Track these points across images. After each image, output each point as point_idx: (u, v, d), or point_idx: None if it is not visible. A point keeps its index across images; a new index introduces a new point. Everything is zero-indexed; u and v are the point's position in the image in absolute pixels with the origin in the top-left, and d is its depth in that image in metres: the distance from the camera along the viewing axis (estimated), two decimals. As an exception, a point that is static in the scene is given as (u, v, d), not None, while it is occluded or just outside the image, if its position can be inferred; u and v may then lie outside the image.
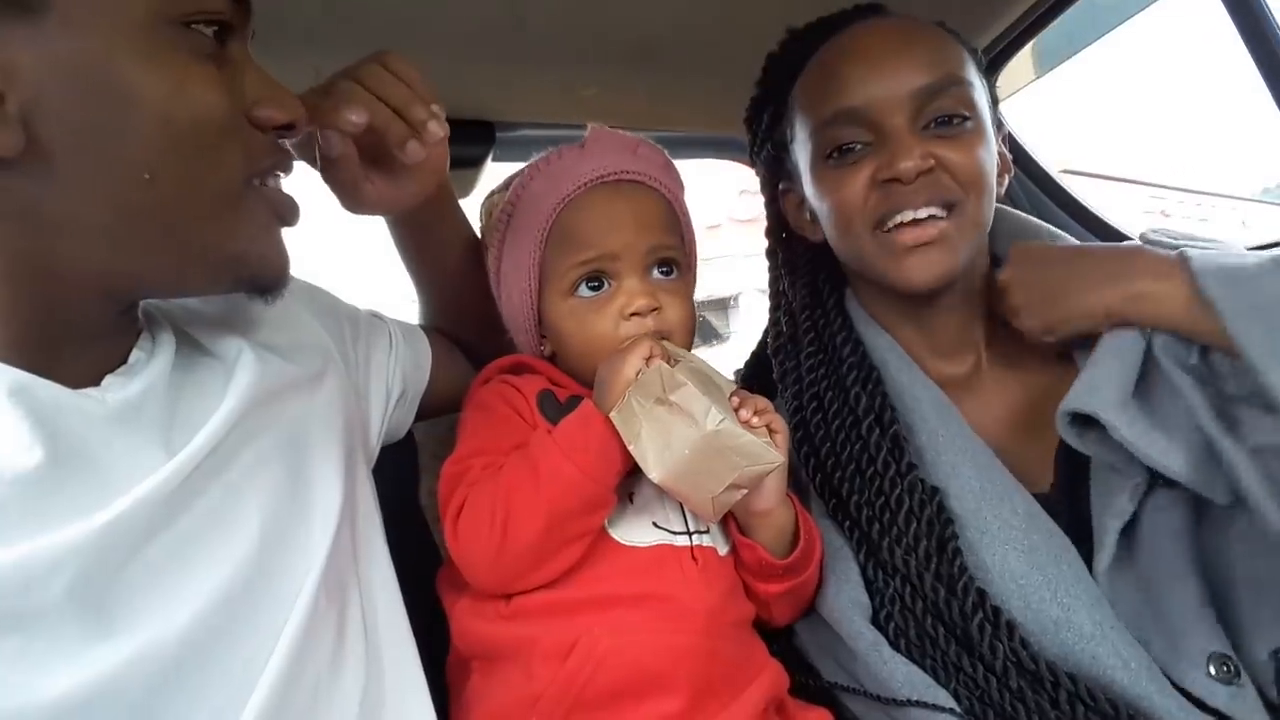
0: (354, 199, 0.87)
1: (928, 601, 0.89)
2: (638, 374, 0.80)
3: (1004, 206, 1.12)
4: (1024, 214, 1.12)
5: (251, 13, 0.68)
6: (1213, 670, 0.77)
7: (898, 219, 0.94)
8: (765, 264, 1.22)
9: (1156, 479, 0.84)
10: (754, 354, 1.27)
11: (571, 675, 0.78)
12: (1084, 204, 1.59)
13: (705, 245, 1.10)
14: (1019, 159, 1.60)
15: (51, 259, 0.60)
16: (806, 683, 0.97)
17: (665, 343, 0.87)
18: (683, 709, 0.79)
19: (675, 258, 0.95)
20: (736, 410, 0.84)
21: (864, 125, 0.95)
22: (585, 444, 0.81)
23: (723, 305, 12.10)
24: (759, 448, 0.79)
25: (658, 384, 0.78)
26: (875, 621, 0.91)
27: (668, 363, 0.81)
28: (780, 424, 0.89)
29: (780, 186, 1.13)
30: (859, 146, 0.96)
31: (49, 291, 0.62)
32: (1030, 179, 1.65)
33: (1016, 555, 0.87)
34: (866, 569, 0.95)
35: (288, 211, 0.73)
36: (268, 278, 0.71)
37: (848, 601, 0.92)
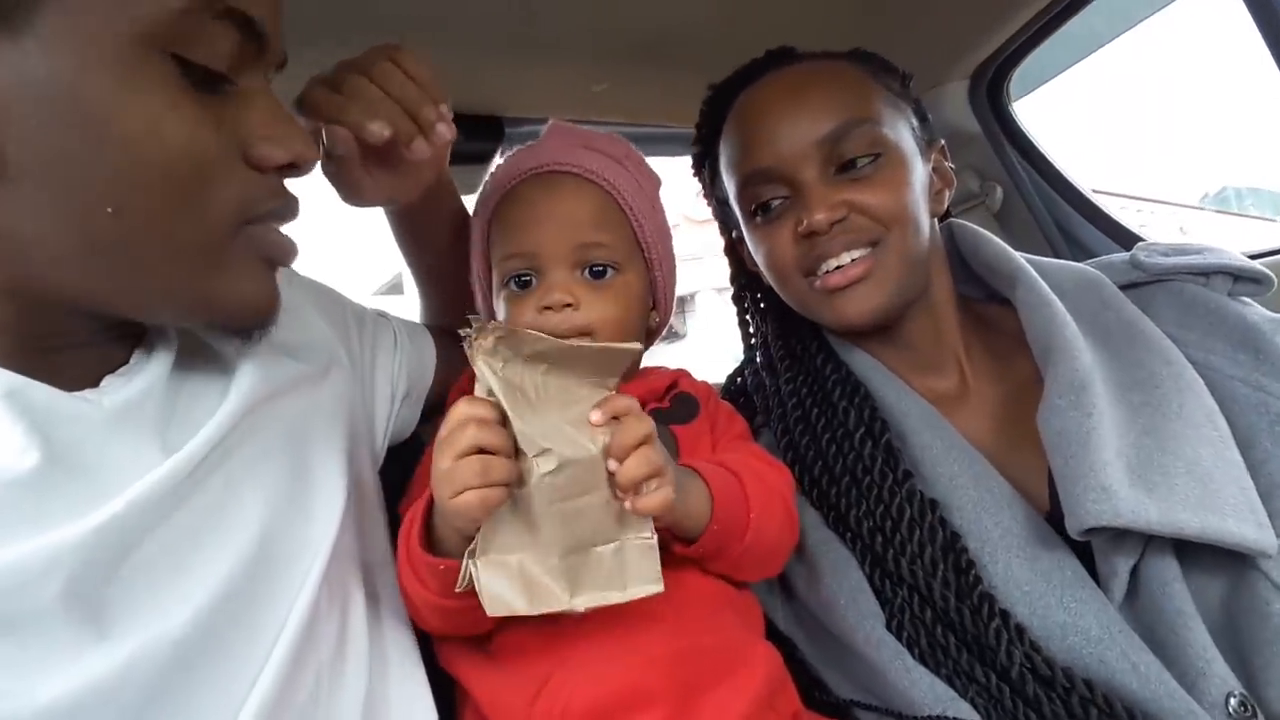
0: (353, 192, 0.86)
1: (937, 610, 0.88)
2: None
3: (964, 223, 1.15)
4: (981, 230, 1.13)
5: (270, 45, 0.64)
6: (1233, 708, 0.76)
7: (823, 268, 0.98)
8: (721, 263, 1.24)
9: None
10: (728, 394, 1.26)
11: (545, 713, 0.76)
12: (1098, 206, 1.58)
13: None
14: (1033, 159, 1.60)
15: (29, 278, 0.58)
16: (816, 697, 0.95)
17: (509, 337, 0.70)
18: (670, 713, 0.76)
19: (606, 259, 0.92)
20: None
21: (778, 181, 0.99)
22: (420, 566, 0.76)
23: (680, 304, 11.81)
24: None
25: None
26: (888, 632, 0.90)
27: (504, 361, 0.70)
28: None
29: (734, 235, 1.16)
30: (778, 201, 1.00)
31: (36, 305, 0.60)
32: (1047, 181, 1.64)
33: (1019, 563, 0.86)
34: (873, 579, 0.94)
35: (281, 255, 0.68)
36: (245, 322, 0.67)
37: (864, 612, 0.91)
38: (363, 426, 0.91)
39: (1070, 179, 1.62)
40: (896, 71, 1.08)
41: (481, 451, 0.67)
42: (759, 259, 1.06)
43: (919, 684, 0.84)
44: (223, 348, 0.75)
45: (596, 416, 0.71)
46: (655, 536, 0.72)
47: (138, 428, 0.64)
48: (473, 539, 0.68)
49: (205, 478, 0.66)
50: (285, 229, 0.69)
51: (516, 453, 0.69)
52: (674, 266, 1.05)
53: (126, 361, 0.68)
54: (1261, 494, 0.83)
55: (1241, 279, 0.98)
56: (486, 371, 0.68)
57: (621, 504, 0.70)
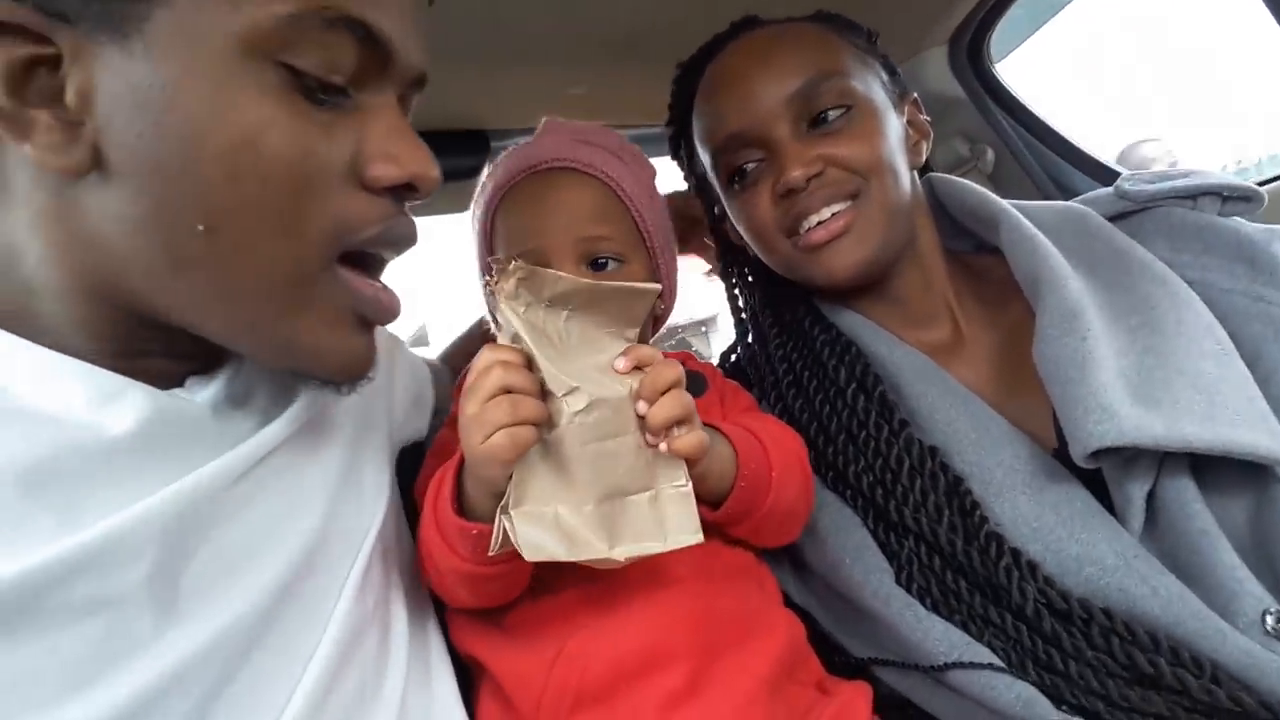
0: None
1: (946, 556, 0.86)
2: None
3: (945, 175, 1.14)
4: (964, 181, 1.12)
5: (397, 59, 0.60)
6: (1270, 625, 0.73)
7: (805, 225, 0.97)
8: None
9: None
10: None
11: (563, 681, 0.74)
12: (1090, 156, 1.56)
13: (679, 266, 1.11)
14: (1015, 113, 1.59)
15: (115, 284, 0.57)
16: (836, 661, 0.93)
17: (531, 276, 0.68)
18: (689, 677, 0.74)
19: (610, 251, 0.91)
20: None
21: (752, 144, 0.99)
22: (450, 531, 0.73)
23: (700, 327, 11.76)
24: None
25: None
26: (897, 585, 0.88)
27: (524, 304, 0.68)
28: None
29: (716, 212, 1.15)
30: (753, 165, 1.00)
31: (122, 312, 0.58)
32: (1037, 137, 1.62)
33: (1026, 499, 0.84)
34: (878, 534, 0.92)
35: (376, 311, 0.65)
36: (326, 376, 0.64)
37: (871, 569, 0.89)
38: (393, 424, 0.92)
39: (1060, 132, 1.60)
40: (861, 29, 1.07)
41: (509, 392, 0.65)
42: (741, 227, 1.06)
43: (932, 633, 0.82)
44: None
45: (621, 364, 0.70)
46: (690, 485, 0.71)
47: (223, 421, 0.64)
48: (503, 496, 0.65)
49: (276, 466, 0.66)
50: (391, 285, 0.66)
51: (544, 397, 0.67)
52: (675, 254, 1.05)
53: (208, 362, 0.67)
54: (1274, 404, 0.80)
55: (1230, 199, 0.96)
56: (510, 315, 0.66)
57: (653, 451, 0.69)
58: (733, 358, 1.21)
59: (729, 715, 0.73)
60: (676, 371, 0.71)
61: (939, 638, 0.81)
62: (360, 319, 0.64)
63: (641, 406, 0.68)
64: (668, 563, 0.78)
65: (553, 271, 0.67)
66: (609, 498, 0.68)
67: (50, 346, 0.56)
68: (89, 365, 0.57)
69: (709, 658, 0.76)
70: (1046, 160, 1.59)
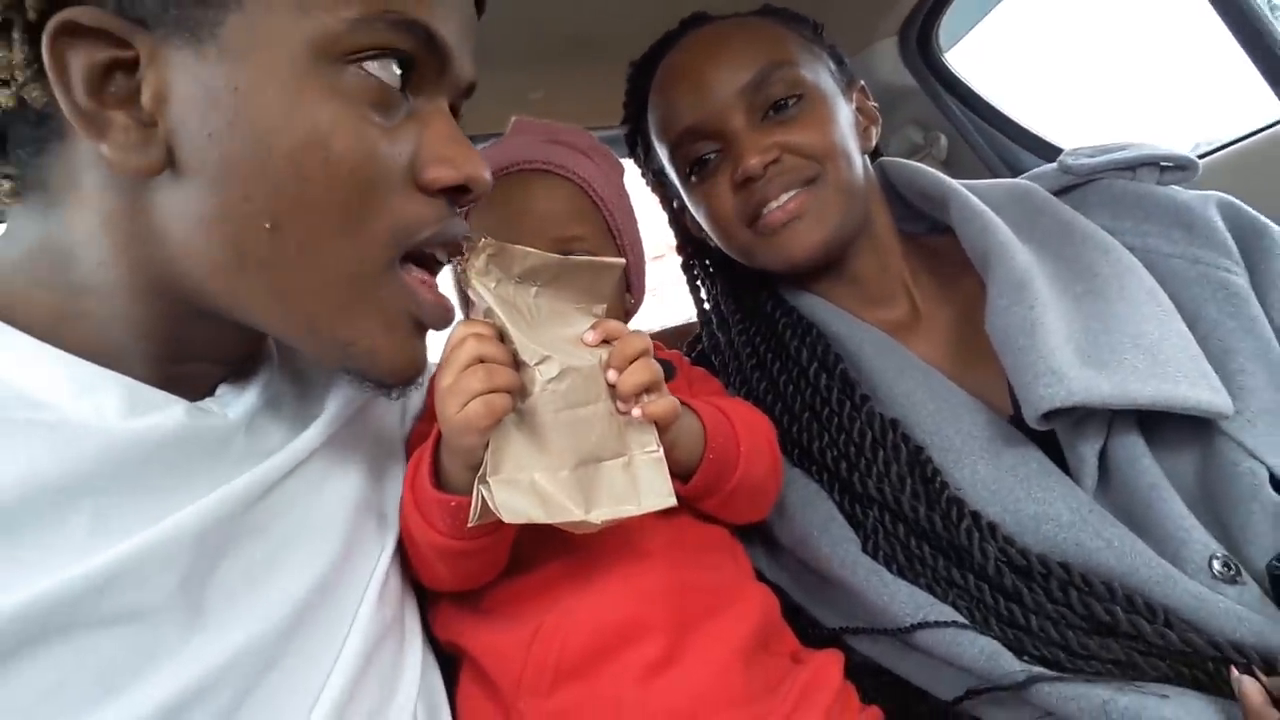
0: None
1: (909, 522, 0.88)
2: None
3: (896, 159, 1.17)
4: (914, 164, 1.15)
5: (454, 65, 0.63)
6: (1216, 570, 0.76)
7: (764, 212, 0.99)
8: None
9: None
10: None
11: (542, 656, 0.75)
12: (1041, 138, 1.60)
13: (652, 275, 1.14)
14: (966, 99, 1.62)
15: (177, 282, 0.58)
16: (809, 633, 0.95)
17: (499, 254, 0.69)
18: (666, 648, 0.76)
19: (583, 250, 0.92)
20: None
21: (709, 136, 1.01)
22: (430, 506, 0.74)
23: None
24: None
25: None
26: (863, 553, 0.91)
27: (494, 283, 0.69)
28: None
29: (675, 205, 1.18)
30: (712, 157, 1.02)
31: (176, 312, 0.60)
32: (988, 121, 1.66)
33: (984, 463, 0.87)
34: (843, 506, 0.94)
35: (431, 316, 0.66)
36: (379, 378, 0.65)
37: (837, 538, 0.91)
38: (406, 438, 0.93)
39: (1011, 116, 1.64)
40: (807, 20, 1.11)
41: (483, 362, 0.66)
42: (701, 218, 1.08)
43: (898, 596, 0.84)
44: None
45: (590, 336, 0.72)
46: (661, 450, 0.72)
47: (251, 435, 0.66)
48: (480, 467, 0.66)
49: (303, 479, 0.68)
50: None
51: (517, 368, 0.68)
52: (643, 250, 1.07)
53: (242, 369, 0.69)
54: (1214, 361, 0.83)
55: (1168, 169, 1.00)
56: (481, 290, 0.67)
57: (625, 418, 0.71)
58: (698, 348, 1.23)
59: (706, 683, 0.75)
60: (644, 342, 0.73)
61: (905, 600, 0.84)
62: (416, 323, 0.65)
63: (611, 375, 0.70)
64: (642, 538, 0.80)
65: (521, 247, 0.69)
66: (583, 464, 0.69)
67: (92, 349, 0.57)
68: (125, 379, 0.58)
69: (685, 629, 0.78)
70: (998, 144, 1.63)
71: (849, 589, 0.88)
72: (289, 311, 0.60)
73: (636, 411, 0.71)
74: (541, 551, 0.79)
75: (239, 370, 0.69)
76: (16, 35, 0.53)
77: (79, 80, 0.52)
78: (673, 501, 0.72)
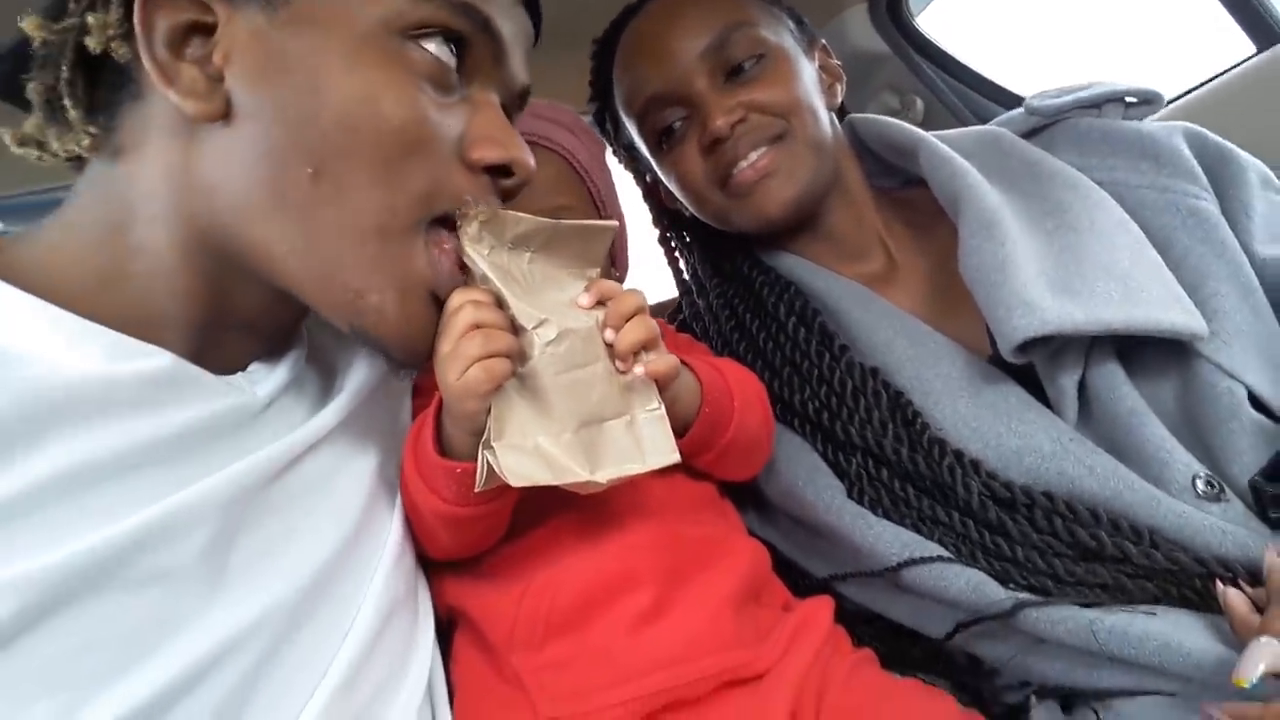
0: None
1: (892, 465, 0.89)
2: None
3: (863, 115, 1.17)
4: (882, 118, 1.15)
5: (508, 60, 0.68)
6: (1200, 489, 0.77)
7: (734, 172, 0.99)
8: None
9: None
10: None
11: (532, 610, 0.76)
12: (1017, 95, 1.60)
13: (649, 249, 1.16)
14: (940, 61, 1.62)
15: (214, 228, 0.61)
16: (800, 584, 0.96)
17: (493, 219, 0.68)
18: (656, 598, 0.76)
19: (570, 218, 0.91)
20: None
21: (674, 103, 1.01)
22: (434, 472, 0.73)
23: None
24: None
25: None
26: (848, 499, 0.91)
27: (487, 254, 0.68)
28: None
29: (648, 179, 1.19)
30: (678, 123, 1.02)
31: (217, 272, 0.62)
32: (963, 82, 1.66)
33: (964, 402, 0.87)
34: (827, 455, 0.95)
35: (446, 289, 0.67)
36: (384, 344, 0.66)
37: (822, 487, 0.92)
38: None
39: (984, 75, 1.64)
40: None
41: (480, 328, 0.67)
42: (673, 186, 1.08)
43: (883, 536, 0.84)
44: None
45: (584, 299, 0.71)
46: (663, 408, 0.73)
47: (277, 412, 0.68)
48: (483, 432, 0.66)
49: (324, 453, 0.69)
50: None
51: (516, 333, 0.68)
52: (625, 224, 1.09)
53: (273, 349, 0.71)
54: (1187, 286, 0.84)
55: (1133, 104, 1.00)
56: (475, 257, 0.67)
57: (625, 377, 0.71)
58: (679, 319, 1.23)
59: (697, 629, 0.75)
60: (639, 299, 0.73)
61: (890, 540, 0.84)
62: (431, 296, 0.66)
63: (609, 334, 0.70)
64: (634, 495, 0.80)
65: (514, 213, 0.68)
66: (586, 425, 0.69)
67: (133, 317, 0.59)
68: (161, 352, 0.59)
69: (675, 580, 0.78)
70: (974, 103, 1.63)
71: (836, 535, 0.88)
72: (311, 255, 0.61)
73: (639, 369, 0.71)
74: (535, 512, 0.80)
75: (271, 350, 0.71)
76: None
77: (161, 38, 0.57)
78: (677, 458, 0.72)
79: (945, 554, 0.81)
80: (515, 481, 0.64)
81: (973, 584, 0.78)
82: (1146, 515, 0.76)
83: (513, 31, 0.67)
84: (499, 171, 0.67)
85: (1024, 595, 0.77)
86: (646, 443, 0.71)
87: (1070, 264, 0.85)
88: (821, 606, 0.85)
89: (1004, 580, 0.79)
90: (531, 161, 0.68)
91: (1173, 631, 0.71)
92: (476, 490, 0.67)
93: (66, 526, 0.49)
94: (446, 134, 0.63)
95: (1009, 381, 0.88)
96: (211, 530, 0.56)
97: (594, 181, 1.01)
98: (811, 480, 0.92)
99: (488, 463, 0.65)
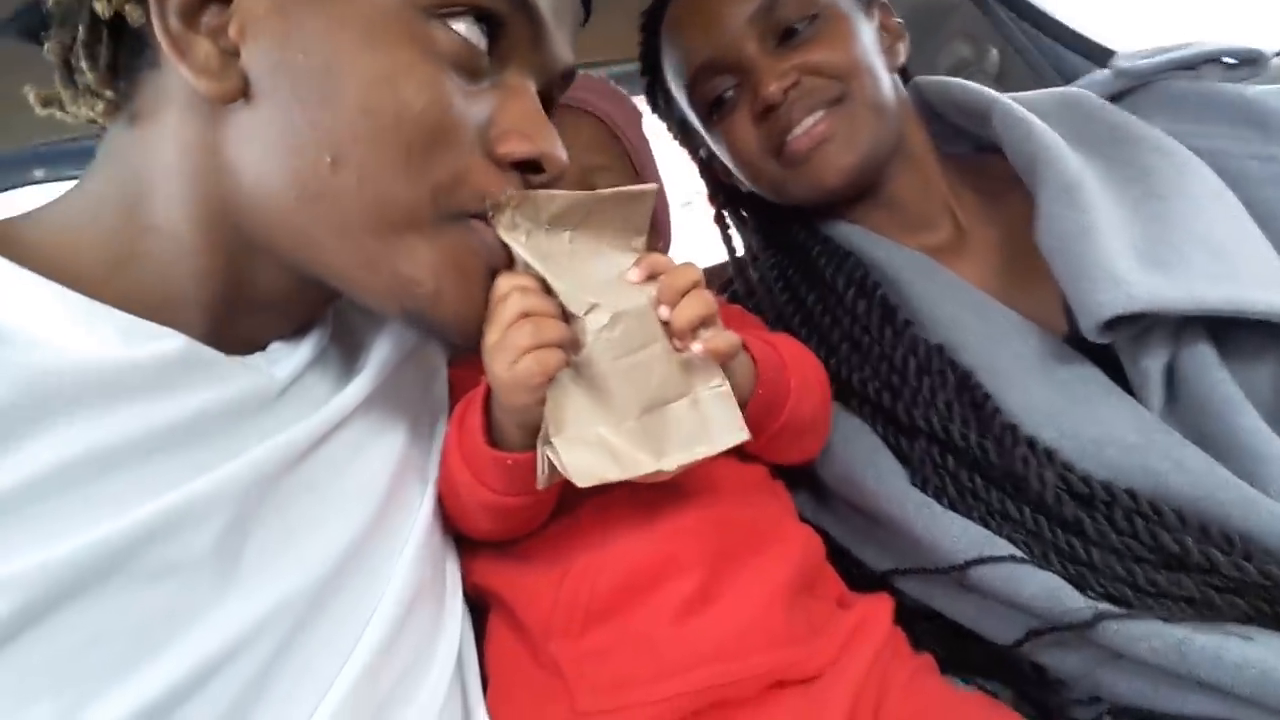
0: None
1: (959, 452, 0.83)
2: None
3: (928, 77, 1.11)
4: (950, 79, 1.08)
5: (548, 42, 0.63)
6: None
7: (788, 139, 0.93)
8: (713, 246, 1.20)
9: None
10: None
11: (572, 595, 0.73)
12: (1106, 48, 1.50)
13: (680, 221, 1.11)
14: (1018, 7, 1.52)
15: (237, 215, 0.58)
16: (855, 575, 0.90)
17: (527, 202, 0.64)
18: (702, 584, 0.73)
19: (609, 181, 0.87)
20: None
21: (725, 71, 0.96)
22: (483, 463, 0.70)
23: None
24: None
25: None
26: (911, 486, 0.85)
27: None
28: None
29: (703, 154, 1.14)
30: (729, 92, 0.98)
31: (237, 253, 0.60)
32: (1044, 31, 1.56)
33: (1039, 385, 0.81)
34: (888, 438, 0.89)
35: (505, 264, 0.65)
36: (442, 327, 0.63)
37: (884, 472, 0.86)
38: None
39: (1068, 24, 1.53)
40: None
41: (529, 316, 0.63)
42: (727, 159, 1.03)
43: (951, 530, 0.78)
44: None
45: (634, 274, 0.67)
46: (727, 384, 0.68)
47: (297, 393, 0.65)
48: (535, 428, 0.64)
49: (345, 437, 0.67)
50: None
51: (566, 320, 0.65)
52: (665, 195, 1.05)
53: (296, 328, 0.69)
54: None
55: (1233, 65, 0.92)
56: (513, 245, 0.64)
57: (683, 354, 0.67)
58: (729, 290, 1.18)
59: (745, 622, 0.71)
60: (695, 273, 0.68)
61: (958, 535, 0.78)
62: (490, 272, 0.63)
63: (664, 311, 0.66)
64: (677, 478, 0.75)
65: (545, 191, 0.64)
66: (648, 410, 0.66)
67: (147, 299, 0.57)
68: (173, 333, 0.57)
69: (722, 566, 0.74)
70: (1054, 55, 1.52)
71: (898, 526, 0.83)
72: (350, 247, 0.58)
73: (697, 347, 0.66)
74: (575, 493, 0.75)
75: (294, 328, 0.69)
76: None
77: (174, 5, 0.54)
78: (747, 436, 0.68)
79: (1018, 554, 0.75)
80: (582, 481, 0.62)
81: (1048, 589, 0.72)
82: (1241, 518, 0.69)
83: (555, 9, 0.62)
84: (529, 166, 0.62)
85: (1104, 605, 0.71)
86: (713, 421, 0.67)
87: (1160, 234, 0.79)
88: (881, 605, 0.80)
89: (1080, 586, 0.73)
90: (564, 156, 0.63)
91: (1274, 660, 0.64)
92: (539, 488, 0.65)
93: (72, 518, 0.48)
94: (471, 122, 0.59)
95: (1087, 363, 0.81)
96: (226, 520, 0.54)
97: (630, 142, 0.98)
98: (872, 465, 0.86)
99: (548, 459, 0.63)
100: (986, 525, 0.79)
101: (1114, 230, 0.79)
